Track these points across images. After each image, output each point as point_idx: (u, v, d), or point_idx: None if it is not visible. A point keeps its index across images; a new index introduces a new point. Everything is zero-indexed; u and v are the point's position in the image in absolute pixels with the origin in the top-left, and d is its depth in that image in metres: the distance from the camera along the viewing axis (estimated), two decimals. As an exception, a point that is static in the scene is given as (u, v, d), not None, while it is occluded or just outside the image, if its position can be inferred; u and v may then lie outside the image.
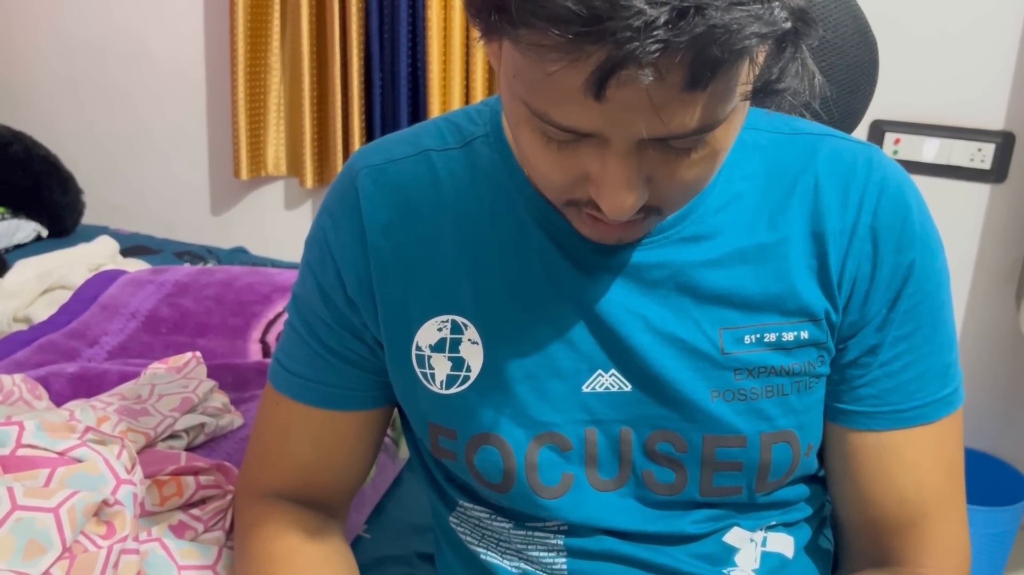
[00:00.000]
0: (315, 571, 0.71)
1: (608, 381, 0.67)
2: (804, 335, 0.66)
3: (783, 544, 0.72)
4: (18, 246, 1.98)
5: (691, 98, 0.47)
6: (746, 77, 0.50)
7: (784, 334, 0.66)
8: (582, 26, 0.44)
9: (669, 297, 0.66)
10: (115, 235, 2.07)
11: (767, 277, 0.65)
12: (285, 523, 0.74)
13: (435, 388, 0.69)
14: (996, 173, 1.81)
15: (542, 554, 0.72)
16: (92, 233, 2.05)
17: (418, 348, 0.69)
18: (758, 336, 0.65)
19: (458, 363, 0.68)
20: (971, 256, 1.87)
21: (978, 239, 1.86)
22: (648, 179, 0.53)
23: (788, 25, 0.46)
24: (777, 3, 0.45)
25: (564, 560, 0.71)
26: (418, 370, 0.70)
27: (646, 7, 0.42)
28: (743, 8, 0.44)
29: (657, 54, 0.44)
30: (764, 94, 0.50)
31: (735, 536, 0.71)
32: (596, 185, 0.54)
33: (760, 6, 0.44)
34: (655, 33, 0.43)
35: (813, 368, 0.67)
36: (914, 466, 0.68)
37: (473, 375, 0.68)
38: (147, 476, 0.89)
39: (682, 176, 0.54)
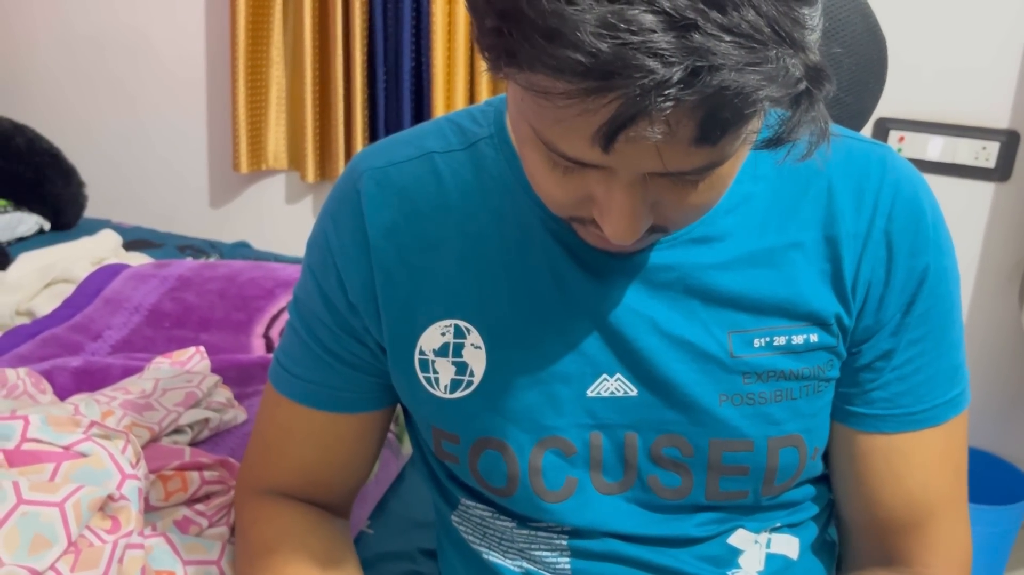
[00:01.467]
0: None
1: (613, 385, 0.66)
2: (814, 339, 0.66)
3: (788, 545, 0.72)
4: (20, 239, 1.97)
5: (699, 149, 0.47)
6: (757, 124, 0.49)
7: (794, 338, 0.65)
8: (593, 80, 0.43)
9: (678, 299, 0.65)
10: (117, 228, 2.07)
11: (777, 280, 0.65)
12: (291, 549, 0.72)
13: (438, 392, 0.69)
14: (1000, 172, 1.80)
15: (545, 554, 0.72)
16: (94, 226, 2.05)
17: (421, 352, 0.69)
18: (767, 340, 0.65)
19: (461, 367, 0.68)
20: (975, 255, 1.87)
21: (982, 238, 1.86)
22: (654, 203, 0.53)
23: (803, 86, 0.45)
24: (793, 61, 0.44)
25: (568, 560, 0.71)
26: (421, 374, 0.69)
27: (659, 65, 0.41)
28: (758, 69, 0.42)
29: (668, 111, 0.43)
30: (776, 145, 0.50)
31: (740, 538, 0.71)
32: (600, 210, 0.53)
33: (775, 66, 0.43)
34: (667, 92, 0.42)
35: (823, 372, 0.67)
36: (922, 468, 0.68)
37: (476, 380, 0.68)
38: (152, 471, 0.89)
39: (689, 202, 0.53)
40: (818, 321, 0.65)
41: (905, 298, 0.66)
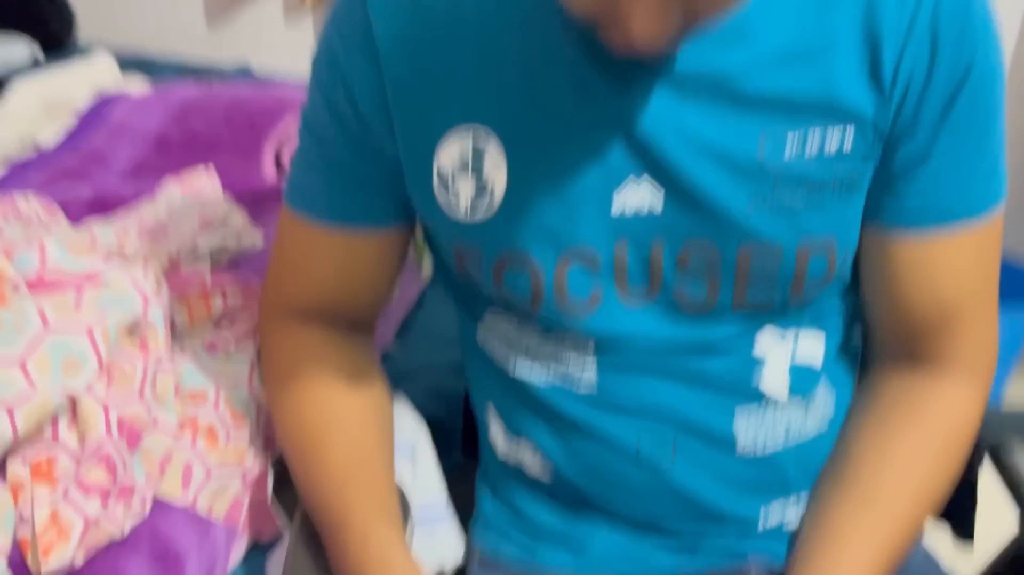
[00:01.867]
0: (352, 440, 0.72)
1: (639, 194, 0.64)
2: (848, 141, 0.63)
3: (815, 343, 0.72)
4: (13, 73, 1.90)
5: None
6: None
7: (828, 141, 0.62)
8: None
9: (707, 103, 0.62)
10: (112, 51, 1.99)
11: (812, 79, 0.61)
12: (316, 365, 0.74)
13: (459, 209, 0.67)
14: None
15: (572, 360, 0.72)
16: (88, 50, 1.97)
17: (440, 169, 0.67)
18: (800, 142, 0.62)
19: (482, 182, 0.66)
20: (1008, 53, 1.78)
21: (1016, 34, 1.77)
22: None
23: None
24: None
25: (594, 367, 0.72)
26: (440, 192, 0.67)
27: None
28: None
29: None
30: None
31: (767, 337, 0.71)
32: (627, 8, 0.50)
33: None
34: None
35: (856, 175, 0.64)
36: (954, 271, 0.67)
37: (498, 194, 0.66)
38: (173, 296, 0.89)
39: None
40: (854, 120, 0.62)
41: (946, 97, 0.62)
